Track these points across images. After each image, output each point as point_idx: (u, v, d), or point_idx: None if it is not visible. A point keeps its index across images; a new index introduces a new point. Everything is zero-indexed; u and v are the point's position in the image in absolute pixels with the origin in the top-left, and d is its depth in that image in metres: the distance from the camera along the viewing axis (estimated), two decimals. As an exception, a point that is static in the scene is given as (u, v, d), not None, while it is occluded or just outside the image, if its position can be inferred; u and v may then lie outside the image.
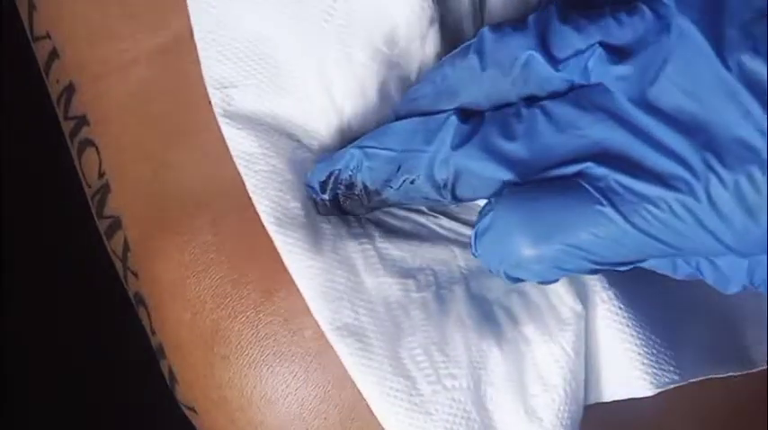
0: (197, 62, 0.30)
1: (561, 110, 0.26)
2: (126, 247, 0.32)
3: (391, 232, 0.30)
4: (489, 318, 0.29)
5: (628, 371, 0.29)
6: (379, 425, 0.28)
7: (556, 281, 0.27)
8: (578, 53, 0.25)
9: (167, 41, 0.31)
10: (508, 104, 0.26)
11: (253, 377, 0.29)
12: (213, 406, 0.30)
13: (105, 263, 0.34)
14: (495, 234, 0.25)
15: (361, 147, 0.27)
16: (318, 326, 0.28)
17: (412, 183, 0.27)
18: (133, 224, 0.31)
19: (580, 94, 0.26)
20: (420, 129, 0.27)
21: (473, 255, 0.27)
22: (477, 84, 0.27)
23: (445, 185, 0.26)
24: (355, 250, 0.29)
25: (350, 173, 0.28)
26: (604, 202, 0.24)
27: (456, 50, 0.27)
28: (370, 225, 0.30)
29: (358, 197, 0.28)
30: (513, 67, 0.26)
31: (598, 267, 0.25)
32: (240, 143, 0.29)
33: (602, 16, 0.26)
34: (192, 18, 0.29)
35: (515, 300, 0.29)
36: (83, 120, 0.33)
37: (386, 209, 0.30)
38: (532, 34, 0.26)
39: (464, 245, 0.30)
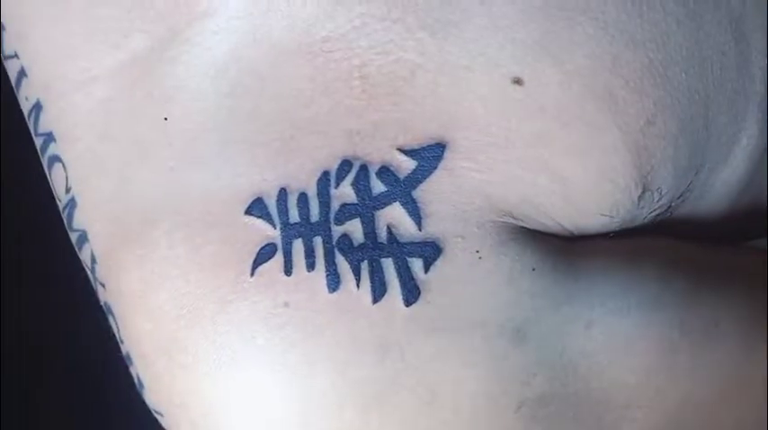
0: (156, 80, 0.31)
1: None
2: (93, 260, 0.33)
3: None
4: None
5: None
6: (337, 424, 0.29)
7: None
8: None
9: (127, 59, 0.32)
10: None
11: (211, 384, 0.30)
12: (177, 410, 0.31)
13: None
14: None
15: None
16: (271, 333, 0.29)
17: None
18: (97, 238, 0.33)
19: None
20: None
21: None
22: None
23: None
24: None
25: None
26: None
27: None
28: None
29: None
30: None
31: None
32: None
33: None
34: None
35: None
36: (50, 137, 0.34)
37: None
38: None
39: None
